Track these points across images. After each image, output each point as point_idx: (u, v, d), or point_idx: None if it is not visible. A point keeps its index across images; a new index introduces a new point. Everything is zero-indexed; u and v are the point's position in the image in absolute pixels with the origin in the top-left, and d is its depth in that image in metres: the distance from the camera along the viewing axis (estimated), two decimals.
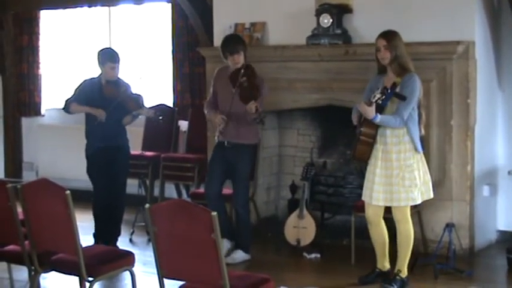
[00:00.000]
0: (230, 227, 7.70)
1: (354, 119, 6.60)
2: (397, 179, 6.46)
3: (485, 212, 7.97)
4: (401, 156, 6.46)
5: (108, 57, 7.76)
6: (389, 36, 6.52)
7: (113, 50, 7.96)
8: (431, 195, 6.67)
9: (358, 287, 6.84)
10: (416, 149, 6.49)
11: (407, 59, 6.50)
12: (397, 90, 6.39)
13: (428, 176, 6.64)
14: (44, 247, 5.77)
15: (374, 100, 6.29)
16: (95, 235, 7.91)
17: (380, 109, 6.37)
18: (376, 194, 6.54)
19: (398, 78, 6.45)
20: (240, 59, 7.47)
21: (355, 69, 7.75)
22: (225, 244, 7.57)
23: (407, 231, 6.60)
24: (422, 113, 6.60)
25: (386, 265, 6.82)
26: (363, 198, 6.70)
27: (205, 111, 7.80)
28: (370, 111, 6.29)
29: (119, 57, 7.80)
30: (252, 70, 7.40)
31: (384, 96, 6.29)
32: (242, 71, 7.36)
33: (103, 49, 7.93)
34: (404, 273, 6.67)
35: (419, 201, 6.59)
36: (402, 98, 6.38)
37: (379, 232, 6.72)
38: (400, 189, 6.46)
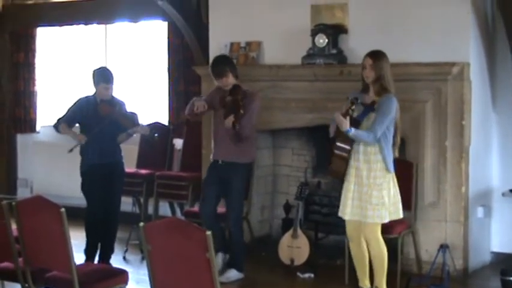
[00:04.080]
0: (225, 241, 7.69)
1: (331, 131, 6.68)
2: (366, 196, 6.54)
3: (479, 233, 7.97)
4: (372, 175, 6.54)
5: (101, 77, 7.77)
6: (376, 56, 6.61)
7: (107, 70, 7.95)
8: (400, 216, 6.72)
9: None
10: (387, 169, 6.54)
11: (389, 81, 6.57)
12: (375, 108, 6.50)
13: (399, 197, 6.67)
14: (38, 264, 5.76)
15: (349, 112, 6.35)
16: (86, 251, 7.86)
17: (356, 124, 6.47)
18: (349, 208, 6.63)
19: (378, 97, 6.53)
20: (227, 82, 7.54)
21: (350, 90, 7.72)
22: (220, 256, 7.60)
23: (378, 249, 6.67)
24: (398, 136, 6.65)
25: (367, 283, 6.86)
26: (339, 214, 6.76)
27: (188, 106, 7.76)
28: (345, 123, 6.35)
29: (112, 77, 7.81)
30: (238, 89, 7.45)
31: (353, 106, 6.34)
32: (230, 91, 7.46)
33: (97, 69, 7.91)
34: None
35: (385, 220, 6.61)
36: (371, 109, 6.51)
37: (359, 249, 6.77)
38: (368, 206, 6.54)
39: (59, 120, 7.90)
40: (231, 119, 7.30)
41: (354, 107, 6.36)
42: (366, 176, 6.53)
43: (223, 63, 7.66)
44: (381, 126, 6.44)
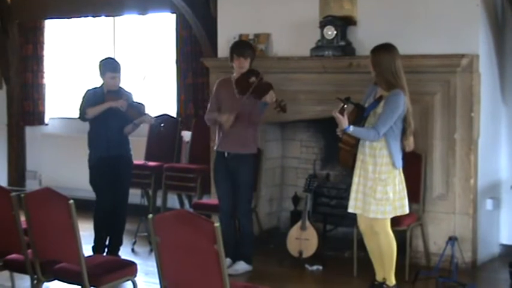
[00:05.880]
0: (235, 246, 7.64)
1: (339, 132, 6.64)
2: (370, 191, 6.49)
3: (488, 226, 7.96)
4: (377, 169, 6.47)
5: (108, 67, 7.76)
6: (374, 52, 6.56)
7: (113, 59, 7.95)
8: (406, 211, 6.64)
9: None
10: (393, 164, 6.47)
11: (395, 75, 6.42)
12: (381, 104, 6.44)
13: (405, 193, 6.58)
14: (46, 256, 5.78)
15: (344, 110, 6.32)
16: (94, 248, 7.86)
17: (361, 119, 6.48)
18: (353, 202, 6.61)
19: (386, 92, 6.47)
20: (246, 64, 7.48)
21: (359, 82, 7.73)
22: (227, 261, 7.57)
23: (386, 243, 6.62)
24: (408, 129, 6.48)
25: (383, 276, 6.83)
26: (348, 209, 6.71)
27: (207, 118, 7.71)
28: (344, 121, 6.31)
29: (119, 67, 7.80)
30: (257, 71, 7.42)
31: (345, 106, 6.32)
32: (248, 73, 7.40)
33: (104, 59, 7.90)
34: (391, 281, 6.70)
35: (389, 216, 6.56)
36: (361, 109, 6.49)
37: (373, 243, 6.73)
38: (371, 201, 6.49)
39: (82, 109, 7.80)
40: (272, 93, 7.24)
41: (346, 106, 6.32)
42: (372, 171, 6.49)
43: (247, 46, 7.72)
44: (384, 124, 6.36)
